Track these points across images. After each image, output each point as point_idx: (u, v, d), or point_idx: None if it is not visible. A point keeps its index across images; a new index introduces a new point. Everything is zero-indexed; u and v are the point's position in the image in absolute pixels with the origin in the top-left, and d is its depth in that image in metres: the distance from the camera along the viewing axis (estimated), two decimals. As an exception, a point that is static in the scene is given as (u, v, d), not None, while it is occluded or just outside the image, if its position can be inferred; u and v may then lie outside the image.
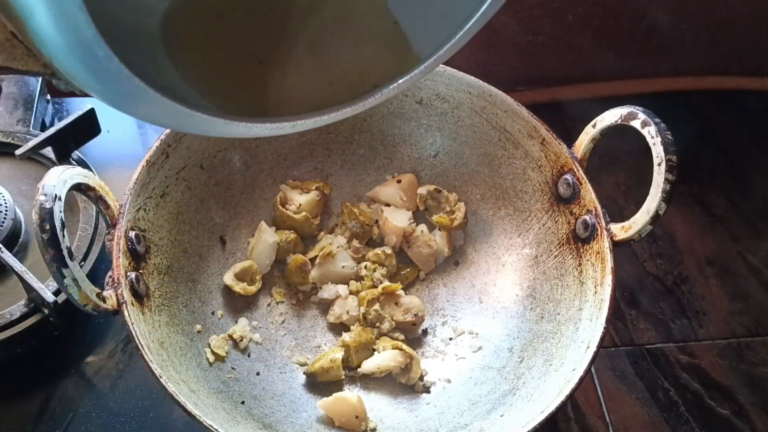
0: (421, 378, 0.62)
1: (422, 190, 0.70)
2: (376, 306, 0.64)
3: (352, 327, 0.63)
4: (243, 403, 0.57)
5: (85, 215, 0.66)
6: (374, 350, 0.63)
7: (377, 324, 0.63)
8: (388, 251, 0.68)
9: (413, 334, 0.65)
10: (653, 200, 0.54)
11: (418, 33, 0.38)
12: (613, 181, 0.86)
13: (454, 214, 0.69)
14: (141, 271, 0.55)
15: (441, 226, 0.69)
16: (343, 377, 0.61)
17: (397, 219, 0.69)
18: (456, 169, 0.71)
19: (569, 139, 0.62)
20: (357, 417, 0.57)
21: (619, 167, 0.87)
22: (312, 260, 0.67)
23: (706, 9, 0.93)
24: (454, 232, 0.70)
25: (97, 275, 0.64)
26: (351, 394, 0.59)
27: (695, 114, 0.96)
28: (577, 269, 0.59)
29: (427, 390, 0.62)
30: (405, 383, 0.62)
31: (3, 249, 0.60)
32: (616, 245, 0.56)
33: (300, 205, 0.68)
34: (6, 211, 0.64)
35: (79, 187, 0.51)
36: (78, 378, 0.63)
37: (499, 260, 0.69)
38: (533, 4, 0.89)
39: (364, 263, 0.67)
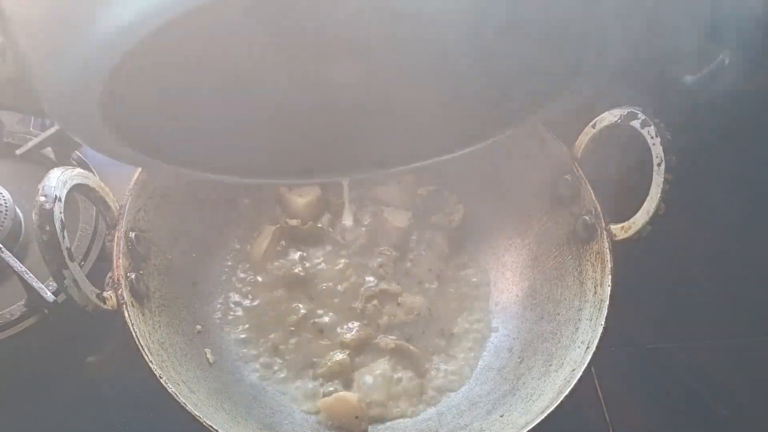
0: (422, 377, 0.62)
1: (422, 191, 0.70)
2: (375, 302, 0.64)
3: (351, 324, 0.64)
4: (243, 403, 0.57)
5: (86, 216, 0.66)
6: (375, 344, 0.63)
7: (376, 319, 0.64)
8: (388, 251, 0.68)
9: (415, 333, 0.65)
10: (653, 200, 0.54)
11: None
12: (613, 181, 0.86)
13: (453, 215, 0.69)
14: (141, 272, 0.55)
15: (439, 226, 0.69)
16: (352, 377, 0.61)
17: (397, 219, 0.69)
18: (456, 169, 0.71)
19: (569, 139, 0.62)
20: (357, 417, 0.57)
21: (619, 167, 0.86)
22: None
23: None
24: (453, 232, 0.70)
25: (97, 276, 0.64)
26: (351, 394, 0.59)
27: (695, 114, 0.96)
28: (576, 269, 0.59)
29: (427, 390, 0.62)
30: (405, 383, 0.62)
31: (3, 249, 0.60)
32: (616, 245, 0.56)
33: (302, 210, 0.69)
34: (6, 211, 0.64)
35: (80, 188, 0.51)
36: (78, 378, 0.63)
37: (499, 260, 0.69)
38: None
39: (366, 262, 0.68)
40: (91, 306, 0.48)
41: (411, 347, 0.62)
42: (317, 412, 0.59)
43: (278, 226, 0.69)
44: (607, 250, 0.56)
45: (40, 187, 0.46)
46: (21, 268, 0.58)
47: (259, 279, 0.67)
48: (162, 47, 0.24)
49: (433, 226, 0.70)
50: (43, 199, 0.45)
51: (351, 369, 0.61)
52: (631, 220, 0.56)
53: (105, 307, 0.49)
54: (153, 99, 0.31)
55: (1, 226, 0.63)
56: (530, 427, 0.48)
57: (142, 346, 0.48)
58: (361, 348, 0.63)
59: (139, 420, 0.61)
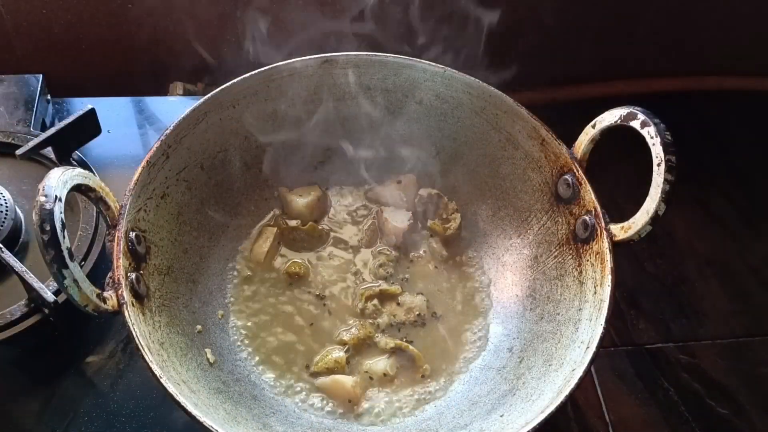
0: (423, 377, 0.62)
1: (423, 192, 0.70)
2: (375, 302, 0.64)
3: (350, 324, 0.64)
4: (243, 403, 0.57)
5: (86, 215, 0.66)
6: (375, 344, 0.63)
7: (375, 318, 0.64)
8: (388, 251, 0.68)
9: (415, 333, 0.66)
10: (653, 201, 0.54)
11: None
12: (613, 181, 0.86)
13: (449, 223, 0.70)
14: (141, 272, 0.55)
15: (434, 232, 0.70)
16: (347, 374, 0.61)
17: (397, 219, 0.69)
18: (456, 169, 0.71)
19: (569, 140, 0.62)
20: (350, 401, 0.59)
21: (619, 167, 0.87)
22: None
23: (707, 9, 0.93)
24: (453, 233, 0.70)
25: (97, 275, 0.64)
26: (348, 378, 0.60)
27: (695, 114, 0.96)
28: (576, 269, 0.59)
29: (427, 389, 0.62)
30: (407, 382, 0.62)
31: (3, 249, 0.60)
32: (616, 245, 0.56)
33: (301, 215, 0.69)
34: (6, 211, 0.64)
35: (80, 188, 0.51)
36: (78, 378, 0.63)
37: (499, 260, 0.69)
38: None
39: (365, 262, 0.68)
40: (91, 306, 0.48)
41: (411, 347, 0.62)
42: (317, 412, 0.59)
43: (278, 226, 0.69)
44: (607, 250, 0.56)
45: (40, 187, 0.46)
46: (21, 268, 0.58)
47: (260, 279, 0.67)
48: None
49: (430, 230, 0.70)
50: (43, 199, 0.45)
51: (345, 365, 0.61)
52: (631, 220, 0.56)
53: (105, 307, 0.49)
54: None
55: (1, 226, 0.63)
56: (530, 427, 0.48)
57: (142, 346, 0.48)
58: (361, 348, 0.63)
59: (139, 420, 0.61)
